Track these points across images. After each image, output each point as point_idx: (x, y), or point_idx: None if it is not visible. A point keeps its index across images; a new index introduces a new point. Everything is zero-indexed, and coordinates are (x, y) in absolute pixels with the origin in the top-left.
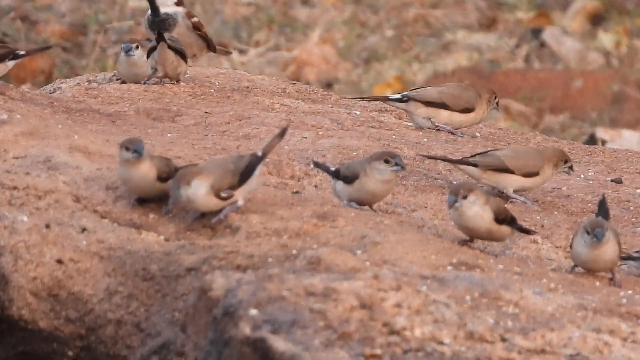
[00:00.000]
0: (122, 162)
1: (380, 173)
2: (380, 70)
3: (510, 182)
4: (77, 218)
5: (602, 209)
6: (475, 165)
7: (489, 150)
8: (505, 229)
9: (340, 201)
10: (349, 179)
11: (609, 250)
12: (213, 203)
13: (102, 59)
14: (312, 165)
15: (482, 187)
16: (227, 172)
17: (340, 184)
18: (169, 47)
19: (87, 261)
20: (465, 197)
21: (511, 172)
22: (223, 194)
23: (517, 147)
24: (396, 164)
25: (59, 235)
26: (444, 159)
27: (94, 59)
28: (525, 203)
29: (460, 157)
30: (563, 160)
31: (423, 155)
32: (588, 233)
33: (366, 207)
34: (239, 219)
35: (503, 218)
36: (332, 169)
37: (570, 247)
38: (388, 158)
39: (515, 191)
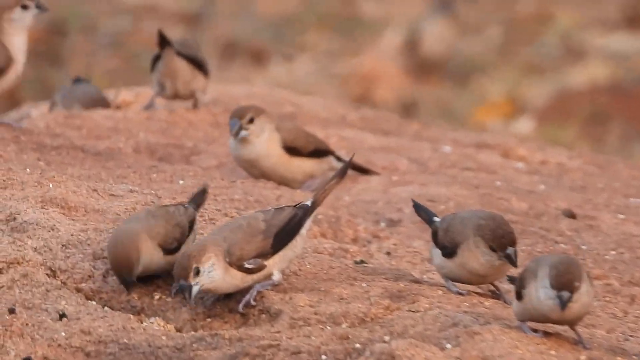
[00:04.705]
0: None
1: (484, 256)
2: (482, 86)
3: None
4: (52, 299)
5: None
6: None
7: None
8: (306, 164)
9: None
10: (448, 251)
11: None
12: (237, 280)
13: (89, 69)
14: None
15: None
16: (254, 233)
17: (437, 255)
18: (179, 54)
19: None
20: (251, 121)
21: None
22: (248, 265)
23: None
24: (506, 256)
25: (27, 324)
26: None
27: (76, 71)
28: None
29: None
30: None
31: None
32: (553, 288)
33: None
34: (280, 301)
35: (299, 147)
36: (437, 219)
37: (519, 294)
38: (494, 246)
39: None
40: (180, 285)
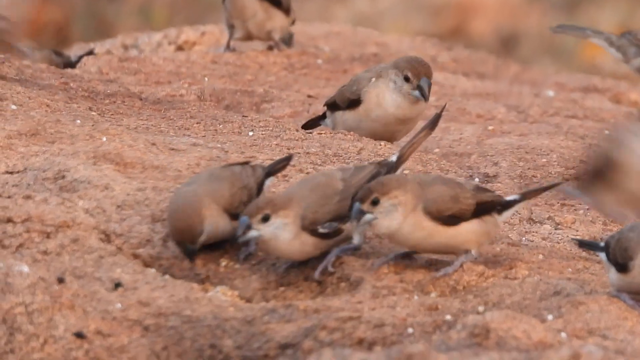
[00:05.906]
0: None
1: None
2: (591, 17)
3: None
4: (106, 267)
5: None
6: None
7: None
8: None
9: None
10: (621, 266)
11: None
12: (308, 247)
13: (147, 6)
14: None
15: None
16: (330, 194)
17: (613, 272)
18: None
19: (124, 335)
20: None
21: None
22: (322, 229)
23: None
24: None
25: (78, 295)
26: None
27: (134, 5)
28: None
29: None
30: None
31: None
32: None
33: None
34: (361, 267)
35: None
36: (602, 244)
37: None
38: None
39: None
40: (242, 221)
